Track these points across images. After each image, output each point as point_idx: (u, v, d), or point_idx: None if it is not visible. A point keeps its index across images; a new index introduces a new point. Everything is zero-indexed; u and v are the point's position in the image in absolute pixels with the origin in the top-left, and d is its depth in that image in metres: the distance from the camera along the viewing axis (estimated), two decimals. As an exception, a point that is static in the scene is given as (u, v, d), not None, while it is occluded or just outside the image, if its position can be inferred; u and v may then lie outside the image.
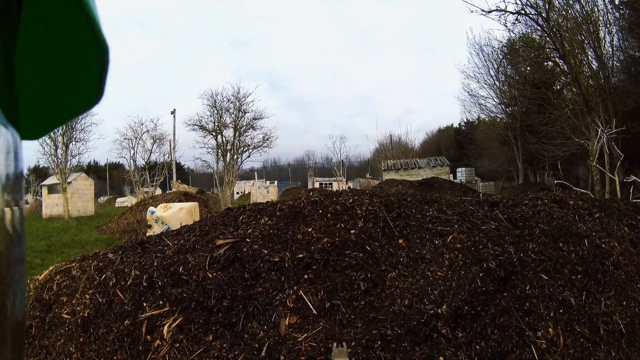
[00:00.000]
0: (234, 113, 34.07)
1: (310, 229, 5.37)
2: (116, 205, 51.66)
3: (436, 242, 5.35)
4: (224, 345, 4.22)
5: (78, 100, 0.89)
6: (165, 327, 4.49)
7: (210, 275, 4.87)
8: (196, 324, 4.48)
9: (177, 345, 4.34)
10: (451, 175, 45.62)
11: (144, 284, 5.04)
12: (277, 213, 5.84)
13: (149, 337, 4.51)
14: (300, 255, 4.97)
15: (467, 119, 60.22)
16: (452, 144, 66.73)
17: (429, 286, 4.66)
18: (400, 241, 5.38)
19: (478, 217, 5.89)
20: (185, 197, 25.59)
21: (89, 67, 0.78)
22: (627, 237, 6.08)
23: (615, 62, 28.77)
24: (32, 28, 0.74)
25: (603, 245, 5.52)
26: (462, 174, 49.41)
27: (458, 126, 67.98)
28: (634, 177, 13.80)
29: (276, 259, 4.95)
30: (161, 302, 4.77)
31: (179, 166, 53.41)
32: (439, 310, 4.33)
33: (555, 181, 23.93)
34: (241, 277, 4.80)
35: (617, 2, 28.08)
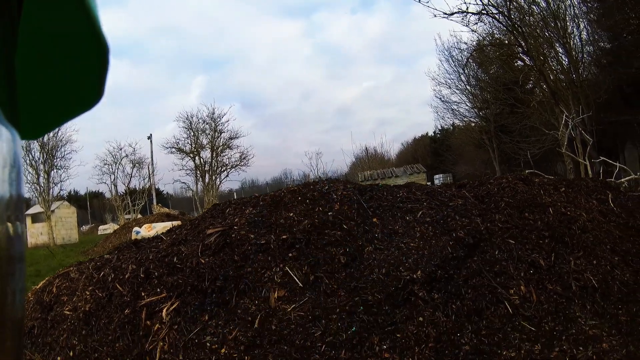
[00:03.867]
0: (210, 134, 34.17)
1: (291, 214, 5.72)
2: (99, 233, 51.06)
3: (407, 218, 5.73)
4: (220, 322, 4.55)
5: (78, 100, 0.90)
6: (164, 311, 4.78)
7: (203, 261, 5.18)
8: (192, 306, 4.79)
9: (176, 327, 4.62)
10: (429, 183, 45.67)
11: (141, 275, 5.33)
12: (261, 203, 6.16)
13: (148, 322, 4.80)
14: (284, 237, 5.32)
15: (441, 126, 59.91)
16: (428, 152, 66.33)
17: (404, 256, 5.03)
18: (374, 219, 5.76)
19: (446, 196, 6.28)
20: (167, 218, 25.81)
21: (89, 67, 0.80)
22: (595, 208, 6.44)
23: (585, 56, 29.11)
24: (33, 27, 0.75)
25: (568, 213, 5.89)
26: (439, 180, 48.66)
27: (433, 134, 67.69)
28: (602, 158, 14.21)
29: (262, 242, 5.30)
30: (158, 290, 5.05)
31: (158, 192, 53.13)
32: (415, 276, 4.71)
33: (527, 170, 24.20)
34: (231, 260, 5.14)
35: (585, -4, 28.42)
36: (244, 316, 4.55)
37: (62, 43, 0.79)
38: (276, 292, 4.74)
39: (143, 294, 5.11)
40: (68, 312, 5.41)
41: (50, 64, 0.85)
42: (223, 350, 4.32)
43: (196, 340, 4.47)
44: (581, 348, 4.12)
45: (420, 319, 4.36)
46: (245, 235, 5.46)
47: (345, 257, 5.08)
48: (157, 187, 46.71)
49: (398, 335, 4.25)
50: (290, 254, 5.15)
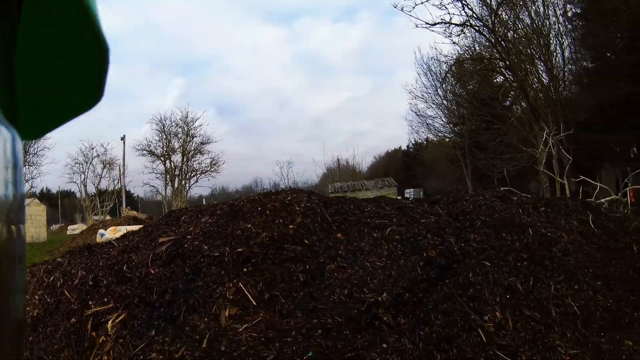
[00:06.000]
0: (182, 137, 34.12)
1: (249, 225, 5.47)
2: (68, 232, 50.29)
3: (375, 234, 5.47)
4: (166, 339, 4.24)
5: (78, 101, 0.90)
6: (109, 323, 4.52)
7: (153, 272, 4.92)
8: (139, 319, 4.51)
9: (121, 340, 4.36)
10: (399, 197, 45.80)
11: (90, 283, 5.09)
12: (218, 212, 5.94)
13: (94, 333, 4.54)
14: (240, 250, 5.05)
15: (415, 141, 60.11)
16: (400, 166, 66.47)
17: (369, 276, 4.75)
18: (339, 235, 5.50)
19: (417, 212, 6.04)
20: (134, 221, 25.73)
21: (89, 68, 0.79)
22: (576, 229, 6.18)
23: (566, 74, 29.19)
24: (33, 27, 0.74)
25: (549, 234, 5.62)
26: (409, 195, 48.70)
27: (406, 148, 68.27)
28: (583, 177, 14.13)
29: (216, 254, 5.02)
30: (106, 299, 4.81)
31: (128, 194, 53.06)
32: (380, 298, 4.42)
33: (503, 188, 24.18)
34: (182, 272, 4.87)
35: (569, 15, 28.46)
36: (191, 334, 4.23)
37: (62, 43, 0.79)
38: (227, 310, 4.43)
39: (90, 303, 4.88)
40: (15, 316, 5.12)
41: (50, 64, 0.84)
42: (168, 371, 4.02)
43: (141, 357, 4.17)
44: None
45: (384, 345, 4.05)
46: (198, 246, 5.19)
47: (304, 275, 4.81)
48: (127, 189, 46.60)
49: (359, 362, 3.94)
50: (245, 269, 4.86)
